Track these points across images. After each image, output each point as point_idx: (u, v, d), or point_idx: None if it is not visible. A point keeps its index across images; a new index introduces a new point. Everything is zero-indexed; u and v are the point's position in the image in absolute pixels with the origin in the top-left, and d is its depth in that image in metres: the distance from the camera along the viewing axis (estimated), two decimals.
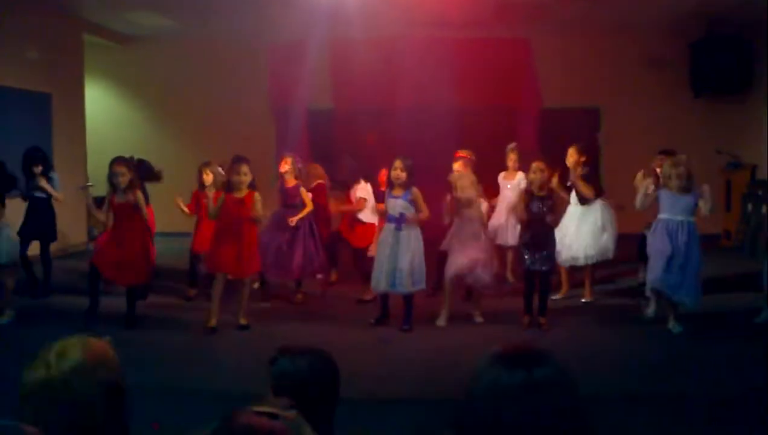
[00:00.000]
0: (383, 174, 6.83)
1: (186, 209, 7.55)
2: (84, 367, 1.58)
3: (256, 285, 7.24)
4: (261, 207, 6.41)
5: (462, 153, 7.58)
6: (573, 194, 7.33)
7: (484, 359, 1.39)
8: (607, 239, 7.29)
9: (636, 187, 6.91)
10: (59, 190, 7.74)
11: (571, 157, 7.31)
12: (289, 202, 7.32)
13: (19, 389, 1.62)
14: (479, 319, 6.68)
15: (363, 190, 7.55)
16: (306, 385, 2.11)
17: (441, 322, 6.58)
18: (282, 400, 1.41)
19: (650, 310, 6.43)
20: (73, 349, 1.62)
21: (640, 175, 7.29)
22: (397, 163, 6.33)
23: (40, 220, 7.65)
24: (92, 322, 6.35)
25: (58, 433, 1.54)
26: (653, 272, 6.22)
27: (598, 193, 7.32)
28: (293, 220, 7.08)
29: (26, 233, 7.62)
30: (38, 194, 7.63)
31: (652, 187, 6.44)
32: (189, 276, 7.77)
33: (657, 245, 6.21)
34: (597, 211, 7.32)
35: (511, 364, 1.34)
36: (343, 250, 7.99)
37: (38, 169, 7.52)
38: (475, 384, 1.36)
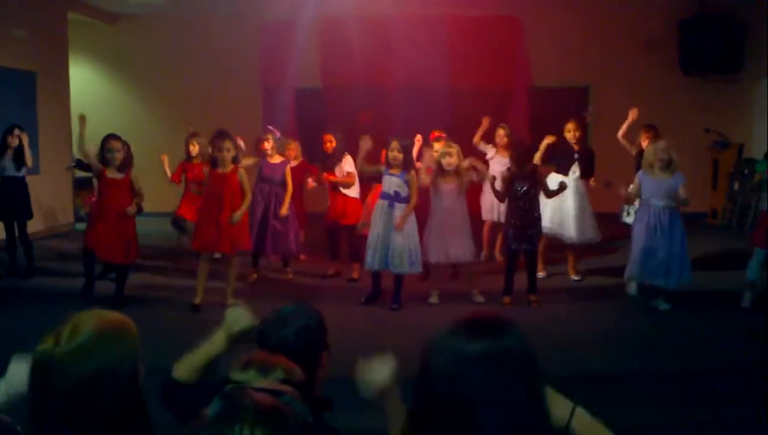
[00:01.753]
0: (383, 154, 6.84)
1: (168, 171, 7.66)
2: (90, 346, 1.49)
3: (255, 276, 7.39)
4: (247, 182, 6.38)
5: (438, 132, 7.51)
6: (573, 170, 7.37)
7: (445, 329, 1.36)
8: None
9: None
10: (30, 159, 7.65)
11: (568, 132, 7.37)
12: (267, 174, 7.28)
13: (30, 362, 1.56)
14: (479, 298, 6.66)
15: (350, 164, 7.49)
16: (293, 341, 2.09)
17: (434, 299, 6.62)
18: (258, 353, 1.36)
19: (633, 287, 6.41)
20: (86, 325, 1.54)
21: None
22: (394, 145, 6.36)
23: (14, 200, 7.55)
24: (88, 302, 6.27)
25: (54, 415, 1.47)
26: (635, 266, 6.25)
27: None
28: (284, 211, 7.15)
29: (4, 214, 7.59)
30: (9, 174, 7.52)
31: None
32: (176, 228, 7.94)
33: (639, 238, 6.23)
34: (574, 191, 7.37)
35: (472, 334, 1.31)
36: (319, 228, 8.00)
37: (14, 141, 7.47)
38: (433, 354, 1.33)
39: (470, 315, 1.38)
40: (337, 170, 7.46)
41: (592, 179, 7.51)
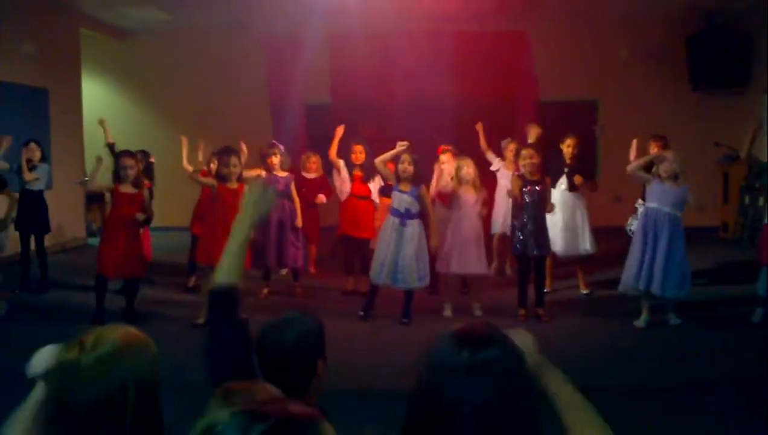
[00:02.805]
0: (390, 168, 6.89)
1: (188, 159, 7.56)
2: (116, 355, 1.52)
3: (265, 291, 7.44)
4: None
5: (446, 147, 7.55)
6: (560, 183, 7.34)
7: (438, 338, 1.38)
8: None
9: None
10: (43, 178, 7.65)
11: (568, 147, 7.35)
12: (277, 189, 7.32)
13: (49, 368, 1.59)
14: (478, 312, 6.67)
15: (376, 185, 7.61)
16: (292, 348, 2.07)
17: (447, 312, 6.62)
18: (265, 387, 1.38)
19: (641, 320, 6.30)
20: (110, 336, 1.56)
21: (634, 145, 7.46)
22: (405, 157, 6.36)
23: (33, 213, 7.60)
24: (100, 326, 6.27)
25: (74, 425, 1.49)
26: (628, 274, 6.22)
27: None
28: (299, 222, 7.26)
29: (22, 228, 7.62)
30: (29, 187, 7.57)
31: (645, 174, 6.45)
32: (188, 263, 7.79)
33: (637, 244, 6.21)
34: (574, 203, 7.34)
35: (459, 344, 1.33)
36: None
37: (36, 154, 7.53)
38: (423, 362, 1.35)
39: (461, 326, 1.40)
40: (371, 184, 7.50)
41: (579, 179, 7.31)
